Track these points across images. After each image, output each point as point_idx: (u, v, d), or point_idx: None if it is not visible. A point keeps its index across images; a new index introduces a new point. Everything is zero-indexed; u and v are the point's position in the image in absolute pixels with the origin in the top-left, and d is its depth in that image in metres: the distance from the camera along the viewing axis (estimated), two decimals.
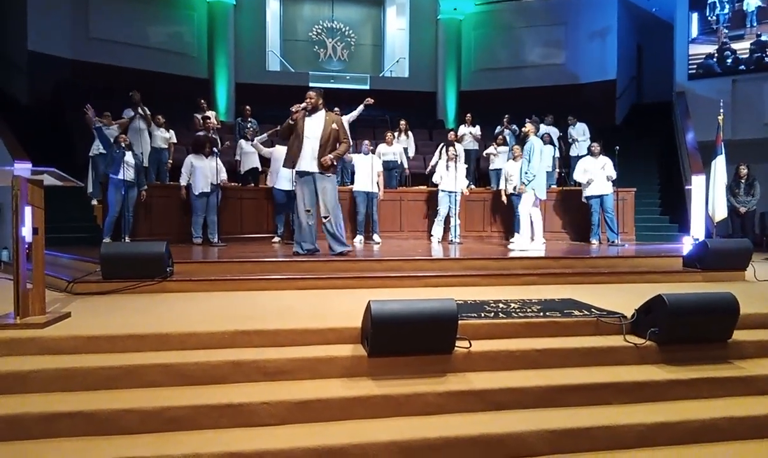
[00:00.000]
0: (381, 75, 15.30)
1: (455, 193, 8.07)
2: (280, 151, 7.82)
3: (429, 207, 8.90)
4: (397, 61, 15.33)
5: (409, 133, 10.34)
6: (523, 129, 7.20)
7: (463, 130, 10.48)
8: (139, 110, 8.34)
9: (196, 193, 7.37)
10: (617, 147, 8.02)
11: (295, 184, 6.01)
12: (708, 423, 2.91)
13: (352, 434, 2.65)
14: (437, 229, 8.28)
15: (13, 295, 3.31)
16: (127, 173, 6.92)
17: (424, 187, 9.47)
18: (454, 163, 8.03)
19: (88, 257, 5.22)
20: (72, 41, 11.62)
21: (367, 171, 7.98)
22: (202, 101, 9.76)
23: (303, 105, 5.62)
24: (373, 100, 8.38)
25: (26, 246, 3.35)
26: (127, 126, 8.12)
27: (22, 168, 3.44)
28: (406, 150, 9.94)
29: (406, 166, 9.69)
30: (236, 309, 3.89)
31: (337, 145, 5.69)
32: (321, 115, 5.67)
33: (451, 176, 8.07)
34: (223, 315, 3.66)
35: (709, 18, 11.72)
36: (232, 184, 8.76)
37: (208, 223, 7.47)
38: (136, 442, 2.56)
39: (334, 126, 5.67)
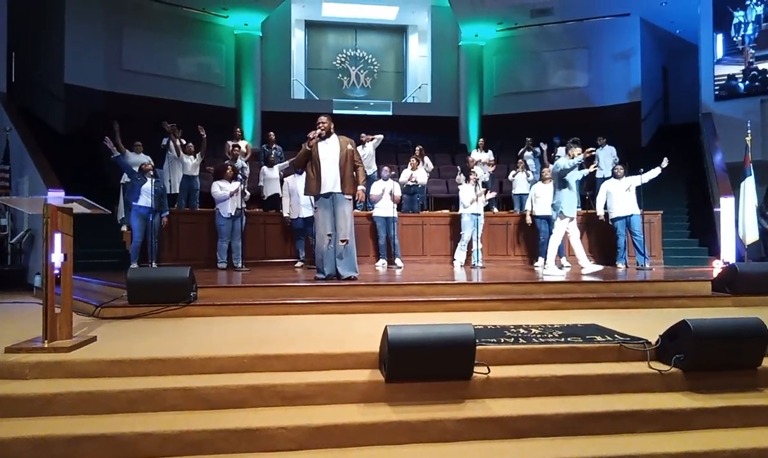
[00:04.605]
0: (403, 101, 15.49)
1: (480, 215, 8.07)
2: (290, 181, 7.98)
3: (452, 231, 8.89)
4: (420, 87, 15.51)
5: (425, 158, 9.59)
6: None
7: (475, 155, 10.24)
8: (171, 140, 8.58)
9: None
10: (642, 169, 7.94)
11: (315, 208, 6.10)
12: (736, 453, 2.81)
13: None
14: (460, 254, 8.25)
15: (42, 319, 3.41)
16: (146, 200, 7.10)
17: (446, 211, 9.47)
18: (475, 187, 8.05)
19: (115, 282, 5.35)
20: (106, 73, 12.12)
21: (386, 196, 8.07)
22: (238, 130, 10.02)
23: (318, 131, 5.74)
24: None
25: (56, 271, 3.46)
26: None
27: (55, 196, 3.59)
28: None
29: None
30: (257, 333, 3.93)
31: (354, 173, 5.81)
32: (334, 139, 5.80)
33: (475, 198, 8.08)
34: (243, 339, 3.70)
35: (735, 38, 11.56)
36: (255, 209, 8.91)
37: (233, 248, 7.62)
38: None
39: (350, 147, 5.81)
